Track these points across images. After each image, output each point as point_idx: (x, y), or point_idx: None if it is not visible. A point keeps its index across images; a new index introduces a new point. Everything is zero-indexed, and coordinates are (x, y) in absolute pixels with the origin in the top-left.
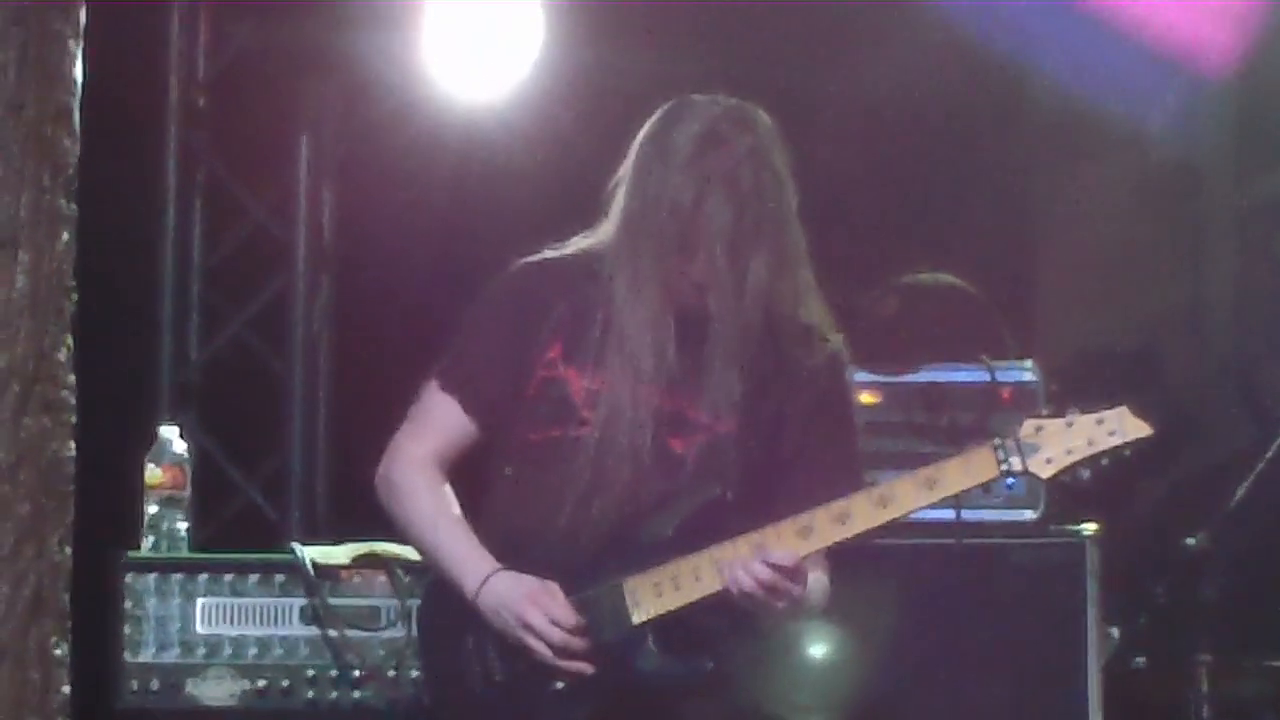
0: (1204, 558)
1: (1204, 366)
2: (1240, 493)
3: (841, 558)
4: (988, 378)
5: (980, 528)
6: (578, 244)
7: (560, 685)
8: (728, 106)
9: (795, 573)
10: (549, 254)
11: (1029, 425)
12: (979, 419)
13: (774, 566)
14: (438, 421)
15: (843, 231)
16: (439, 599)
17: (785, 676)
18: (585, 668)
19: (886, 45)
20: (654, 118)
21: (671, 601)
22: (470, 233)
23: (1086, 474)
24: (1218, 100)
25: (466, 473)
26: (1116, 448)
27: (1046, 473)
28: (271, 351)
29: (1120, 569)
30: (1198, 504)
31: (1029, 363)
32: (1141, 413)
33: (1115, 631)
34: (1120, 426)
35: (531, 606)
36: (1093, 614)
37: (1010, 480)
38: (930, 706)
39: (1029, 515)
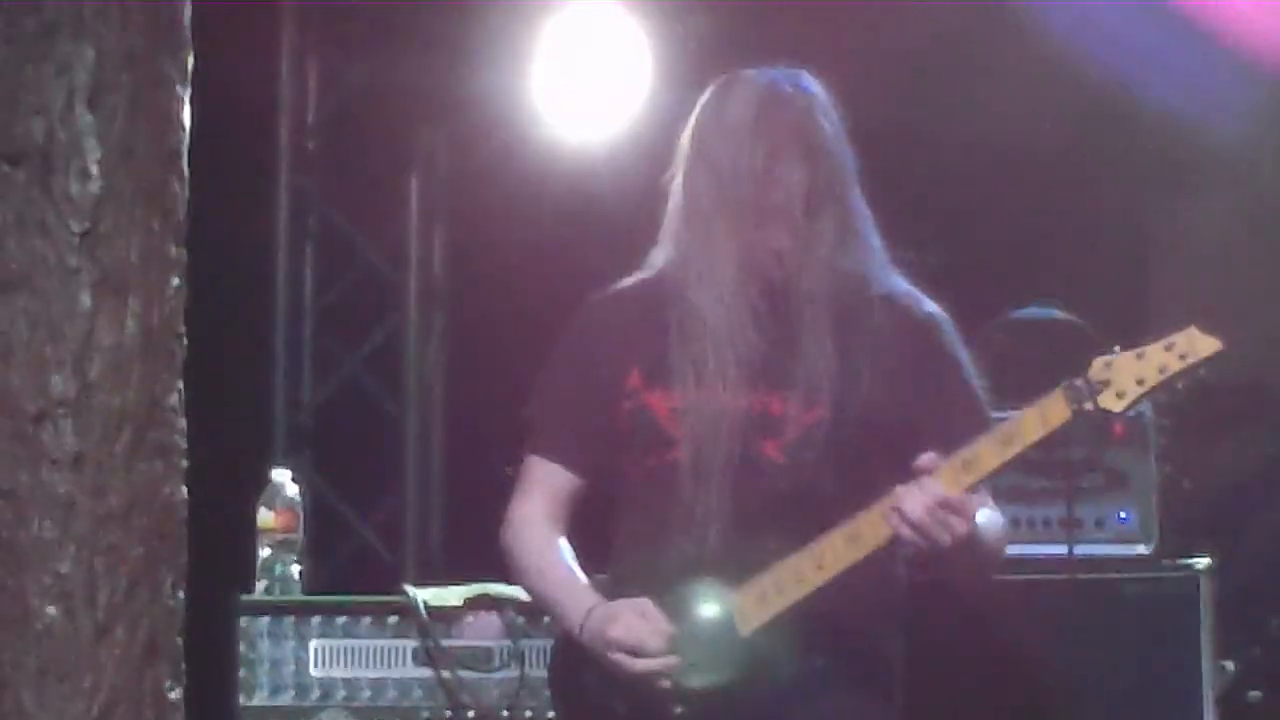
0: None
1: None
2: None
3: (958, 595)
4: None
5: (1093, 563)
6: (640, 274)
7: (679, 710)
8: (777, 71)
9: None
10: (616, 286)
11: (1098, 363)
12: (1092, 455)
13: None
14: (541, 483)
15: (954, 266)
16: (565, 646)
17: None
18: (676, 663)
19: (997, 80)
20: (704, 98)
21: (775, 605)
22: (580, 272)
23: (1163, 398)
24: None
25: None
26: (1189, 368)
27: (1118, 407)
28: (385, 392)
29: (1234, 602)
30: None
31: None
32: (1211, 329)
33: (1230, 665)
34: (1190, 347)
35: (613, 624)
36: (1207, 647)
37: (1123, 515)
38: None
39: (1142, 549)
